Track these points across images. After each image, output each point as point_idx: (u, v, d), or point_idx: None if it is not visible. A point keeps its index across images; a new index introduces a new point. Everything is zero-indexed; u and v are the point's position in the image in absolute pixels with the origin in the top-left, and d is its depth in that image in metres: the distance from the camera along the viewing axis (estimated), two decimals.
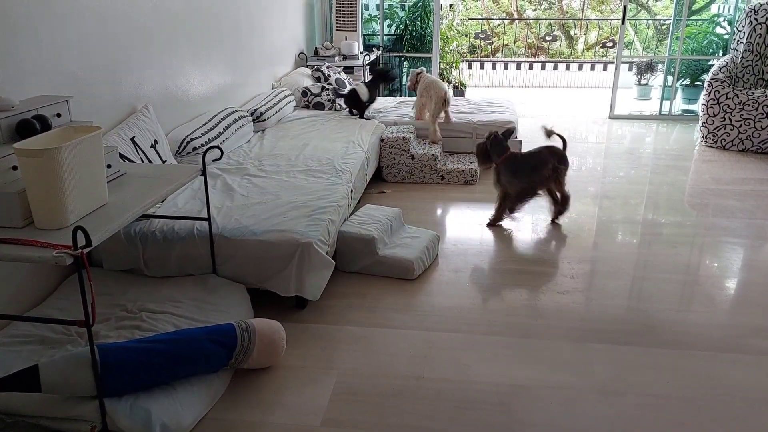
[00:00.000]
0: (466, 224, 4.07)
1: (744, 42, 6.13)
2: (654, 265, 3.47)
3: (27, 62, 2.58)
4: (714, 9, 8.10)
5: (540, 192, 3.91)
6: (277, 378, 2.46)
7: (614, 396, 2.36)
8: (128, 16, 3.31)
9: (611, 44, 11.22)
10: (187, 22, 3.98)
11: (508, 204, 3.89)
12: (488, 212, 4.21)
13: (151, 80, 3.58)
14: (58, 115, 2.41)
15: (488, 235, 3.87)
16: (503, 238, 3.82)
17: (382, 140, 4.82)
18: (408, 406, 2.30)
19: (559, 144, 3.91)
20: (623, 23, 7.02)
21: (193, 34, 4.06)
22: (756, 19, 6.04)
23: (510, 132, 3.89)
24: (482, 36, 11.78)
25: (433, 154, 4.78)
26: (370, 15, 7.86)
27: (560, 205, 3.95)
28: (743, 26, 6.19)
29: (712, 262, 3.52)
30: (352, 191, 3.71)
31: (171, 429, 2.04)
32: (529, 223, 4.06)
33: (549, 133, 3.94)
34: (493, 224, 3.95)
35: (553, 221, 3.99)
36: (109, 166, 2.37)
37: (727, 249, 3.68)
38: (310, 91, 5.71)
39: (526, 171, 3.79)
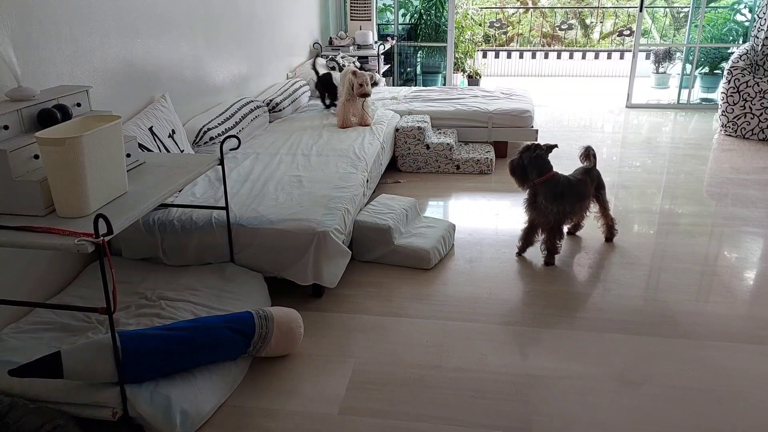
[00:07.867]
0: (481, 214, 4.05)
1: (765, 29, 6.02)
2: (672, 255, 3.44)
3: (47, 53, 2.60)
4: None
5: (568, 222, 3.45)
6: (294, 366, 2.48)
7: (632, 386, 2.35)
8: (146, 6, 3.32)
9: (628, 32, 11.08)
10: (204, 13, 3.99)
11: (550, 238, 3.33)
12: (504, 201, 4.20)
13: (168, 70, 3.59)
14: (78, 105, 2.42)
15: (504, 225, 3.86)
16: (519, 228, 3.80)
17: (397, 130, 4.81)
18: (425, 395, 2.31)
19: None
20: (641, 11, 6.93)
21: (209, 24, 4.07)
22: None
23: (551, 148, 3.27)
24: (497, 25, 11.68)
25: (448, 144, 4.76)
26: (384, 4, 7.82)
27: (608, 230, 3.60)
28: (764, 13, 6.08)
29: (731, 253, 3.49)
30: (367, 181, 3.71)
31: (191, 415, 2.06)
32: None
33: (586, 154, 3.47)
34: (521, 254, 3.48)
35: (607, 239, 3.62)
36: (128, 155, 2.39)
37: (746, 239, 3.64)
38: None
39: (569, 197, 3.27)
